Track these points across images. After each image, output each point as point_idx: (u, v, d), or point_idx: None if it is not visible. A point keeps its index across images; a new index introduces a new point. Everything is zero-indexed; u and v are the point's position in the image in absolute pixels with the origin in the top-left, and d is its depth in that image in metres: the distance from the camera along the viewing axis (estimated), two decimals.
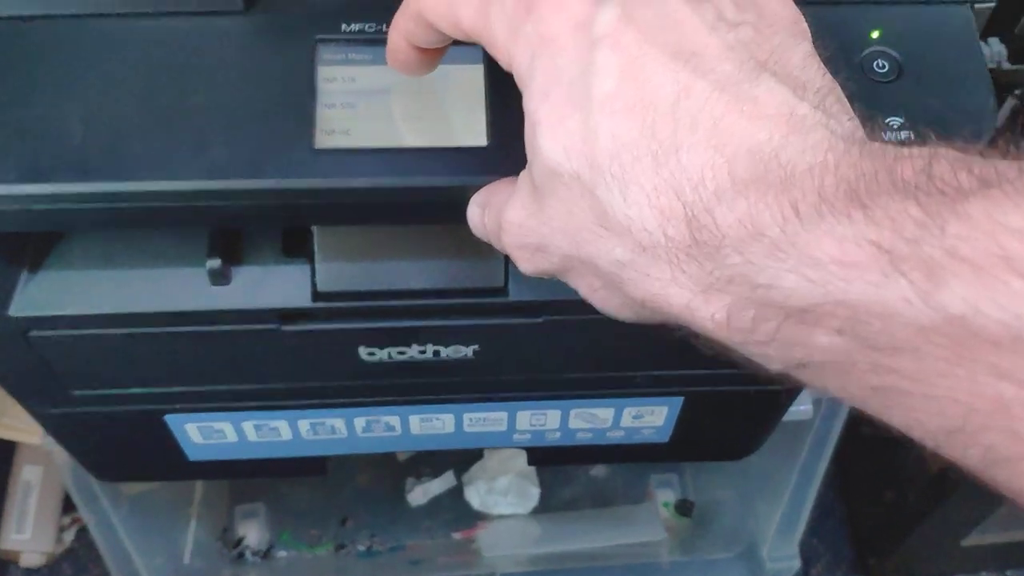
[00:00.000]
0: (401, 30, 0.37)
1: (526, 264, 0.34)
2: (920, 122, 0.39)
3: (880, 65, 0.41)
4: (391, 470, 1.09)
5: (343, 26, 0.41)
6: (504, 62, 0.33)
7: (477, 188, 0.39)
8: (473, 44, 0.41)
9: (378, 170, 0.39)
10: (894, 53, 0.41)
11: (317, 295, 0.46)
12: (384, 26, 0.42)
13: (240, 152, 0.38)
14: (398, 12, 0.37)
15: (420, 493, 1.06)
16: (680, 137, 0.27)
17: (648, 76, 0.28)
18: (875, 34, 0.41)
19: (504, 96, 0.40)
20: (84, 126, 0.38)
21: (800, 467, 0.78)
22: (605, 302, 0.33)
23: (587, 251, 0.30)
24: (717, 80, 0.28)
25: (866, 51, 0.41)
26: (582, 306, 0.48)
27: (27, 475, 1.05)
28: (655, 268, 0.28)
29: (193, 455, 0.60)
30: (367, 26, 0.42)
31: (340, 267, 0.46)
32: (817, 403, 0.71)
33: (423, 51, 0.37)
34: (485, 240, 0.39)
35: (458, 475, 1.06)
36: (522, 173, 0.34)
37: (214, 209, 0.39)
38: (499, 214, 0.35)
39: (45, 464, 1.06)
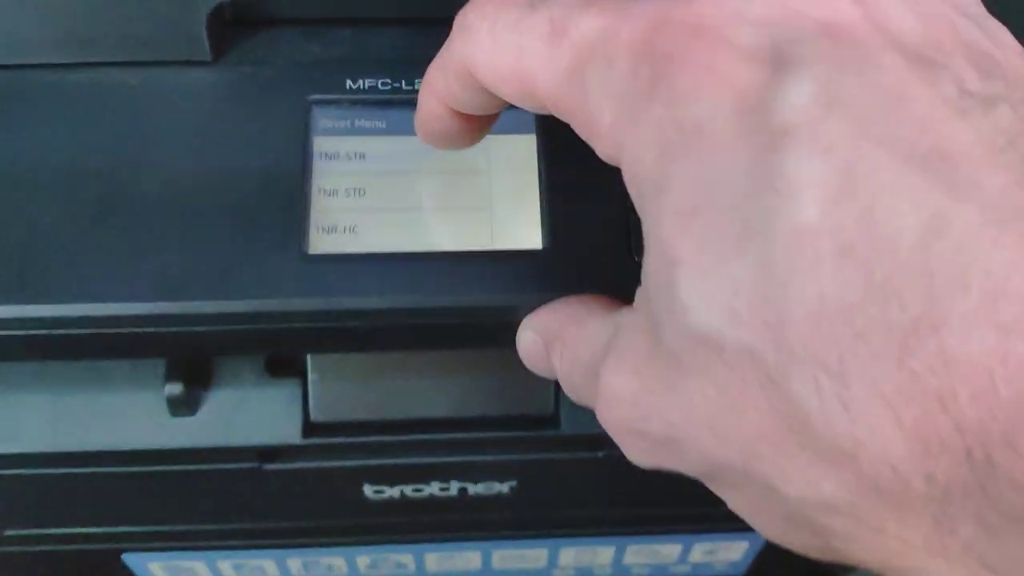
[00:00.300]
0: (438, 91, 0.26)
1: (639, 455, 0.23)
2: None
3: None
4: None
5: (347, 82, 0.31)
6: (607, 153, 0.22)
7: (527, 309, 0.29)
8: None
9: (395, 285, 0.28)
10: None
11: (310, 427, 0.35)
12: (404, 82, 0.31)
13: (206, 261, 0.28)
14: (433, 65, 0.26)
15: None
16: (941, 304, 0.16)
17: (873, 195, 0.17)
18: None
19: (568, 180, 0.30)
20: None
21: None
22: (776, 534, 0.22)
23: (762, 471, 0.19)
24: (988, 203, 0.17)
25: None
26: None
27: None
28: (896, 523, 0.17)
29: None
30: (380, 82, 0.31)
31: (340, 390, 0.35)
32: None
33: (466, 119, 0.27)
34: (546, 376, 0.28)
35: None
36: (628, 316, 0.23)
37: (171, 337, 0.28)
38: (588, 367, 0.24)
39: None
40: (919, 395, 0.16)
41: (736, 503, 0.22)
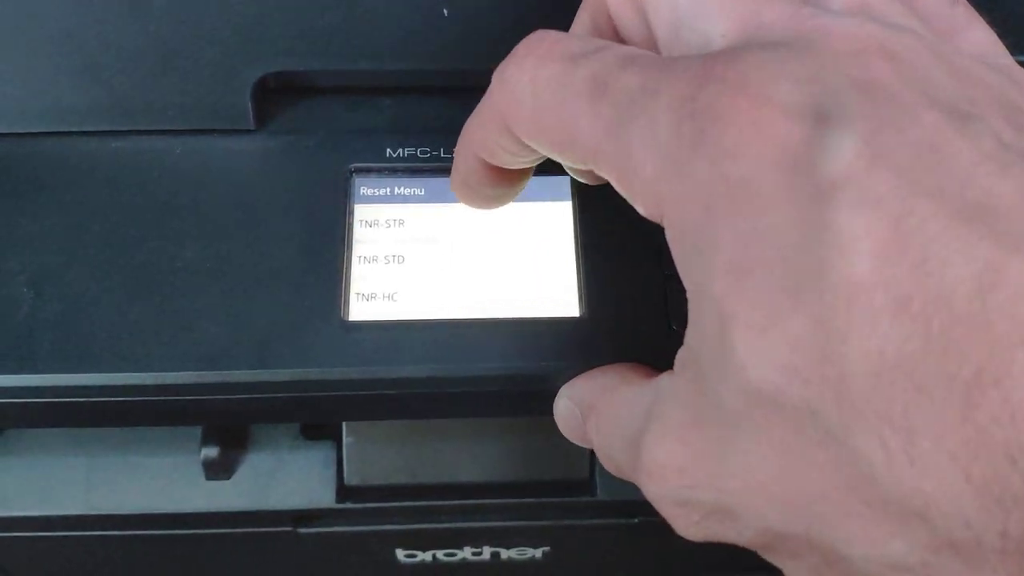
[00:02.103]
0: (475, 144, 0.26)
1: (690, 528, 0.23)
2: None
3: None
4: None
5: (387, 150, 0.31)
6: (649, 210, 0.21)
7: (566, 378, 0.29)
8: (558, 171, 0.31)
9: (433, 353, 0.28)
10: None
11: (344, 491, 0.35)
12: (443, 150, 0.31)
13: (247, 330, 0.28)
14: (471, 120, 0.26)
15: None
16: (1001, 356, 0.16)
17: (924, 248, 0.17)
18: None
19: (604, 247, 0.30)
20: (35, 292, 0.28)
21: None
22: None
23: (825, 533, 0.19)
24: None
25: None
26: None
27: None
28: None
29: None
30: (419, 150, 0.31)
31: (374, 454, 0.35)
32: None
33: (502, 174, 0.26)
34: (583, 445, 0.28)
35: None
36: (669, 381, 0.23)
37: (205, 407, 0.28)
38: (627, 438, 0.24)
39: None
40: (986, 449, 0.16)
41: (796, 572, 0.21)
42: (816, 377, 0.18)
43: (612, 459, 0.26)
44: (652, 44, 0.24)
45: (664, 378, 0.23)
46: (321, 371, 0.28)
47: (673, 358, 0.28)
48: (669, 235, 0.21)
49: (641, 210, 0.22)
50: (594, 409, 0.27)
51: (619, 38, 0.25)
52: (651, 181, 0.20)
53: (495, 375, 0.28)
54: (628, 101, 0.21)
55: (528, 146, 0.24)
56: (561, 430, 0.29)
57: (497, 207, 0.29)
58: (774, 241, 0.18)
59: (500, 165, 0.26)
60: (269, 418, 0.30)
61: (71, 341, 0.27)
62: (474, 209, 0.29)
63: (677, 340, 0.28)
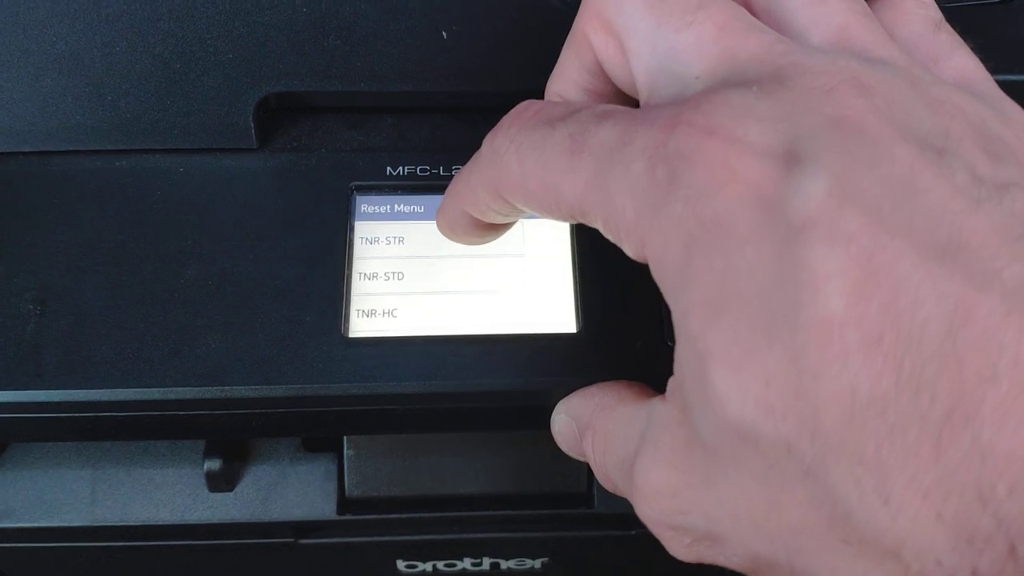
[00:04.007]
0: (464, 202, 0.26)
1: (681, 550, 0.23)
2: None
3: None
4: None
5: (387, 169, 0.32)
6: (634, 251, 0.22)
7: (563, 393, 0.29)
8: None
9: (432, 369, 0.29)
10: None
11: (345, 503, 0.36)
12: (442, 169, 0.32)
13: (246, 346, 0.28)
14: (461, 178, 0.26)
15: None
16: (972, 395, 0.16)
17: (895, 286, 0.17)
18: None
19: (601, 264, 0.30)
20: (41, 308, 0.29)
21: None
22: None
23: (807, 565, 0.19)
24: (1009, 291, 0.17)
25: None
26: None
27: None
28: None
29: None
30: (418, 169, 0.32)
31: (374, 466, 0.36)
32: None
33: (487, 225, 0.27)
34: (580, 460, 0.29)
35: None
36: (662, 406, 0.23)
37: (208, 421, 0.29)
38: (621, 458, 0.24)
39: None
40: (957, 488, 0.16)
41: None
42: (791, 414, 0.18)
43: (608, 476, 0.26)
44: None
45: (657, 403, 0.24)
46: (322, 387, 0.28)
47: (670, 373, 0.28)
48: (654, 274, 0.21)
49: (629, 252, 0.22)
50: (591, 427, 0.27)
51: (604, 75, 0.25)
52: (633, 224, 0.21)
53: (493, 391, 0.29)
54: (606, 153, 0.21)
55: (516, 206, 0.24)
56: (558, 444, 0.29)
57: (483, 243, 0.29)
58: (748, 279, 0.18)
59: (488, 221, 0.27)
60: (270, 433, 0.31)
61: (76, 357, 0.28)
62: None
63: (672, 356, 0.29)
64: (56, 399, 0.28)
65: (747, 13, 0.22)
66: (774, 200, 0.18)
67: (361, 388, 0.28)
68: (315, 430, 0.30)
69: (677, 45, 0.22)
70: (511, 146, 0.23)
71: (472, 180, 0.25)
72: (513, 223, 0.28)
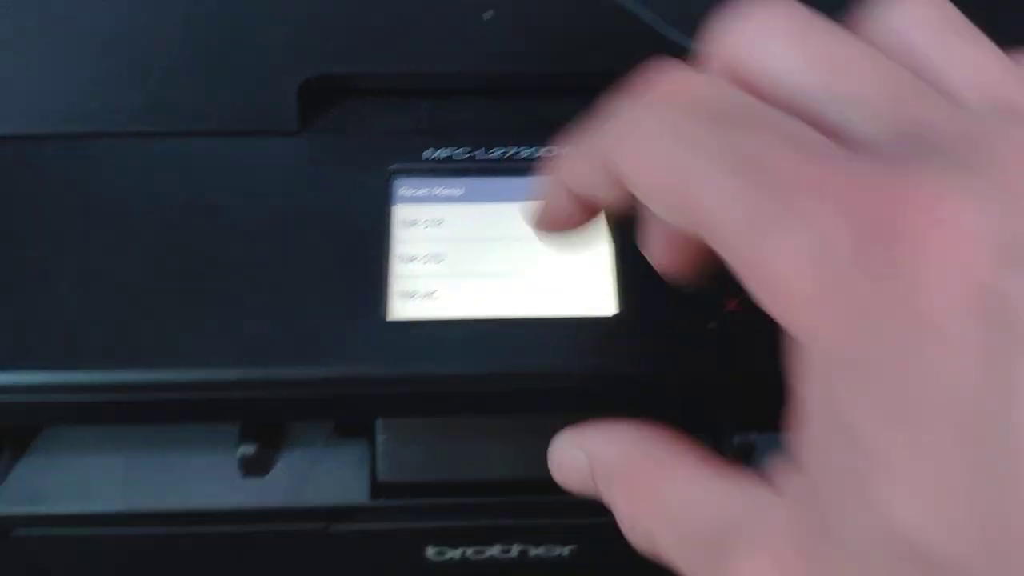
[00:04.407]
0: (574, 175, 0.24)
1: None
2: None
3: None
4: None
5: (426, 152, 0.32)
6: (786, 318, 0.19)
7: (602, 375, 0.29)
8: None
9: (471, 351, 0.29)
10: None
11: (377, 488, 0.36)
12: (481, 151, 0.32)
13: (288, 327, 0.28)
14: (575, 149, 0.23)
15: None
16: None
17: None
18: None
19: (639, 250, 0.30)
20: (79, 292, 0.29)
21: None
22: None
23: None
24: None
25: None
26: None
27: None
28: None
29: None
30: (456, 152, 0.32)
31: (408, 451, 0.36)
32: None
33: (588, 208, 0.25)
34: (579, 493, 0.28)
35: None
36: (770, 499, 0.21)
37: (249, 404, 0.29)
38: (700, 541, 0.22)
39: None
40: None
41: None
42: (976, 535, 0.16)
43: (646, 536, 0.24)
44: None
45: (759, 491, 0.21)
46: (363, 368, 0.28)
47: (713, 360, 0.28)
48: (805, 346, 0.19)
49: (769, 308, 0.19)
50: (627, 477, 0.25)
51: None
52: (805, 294, 0.18)
53: (533, 372, 0.29)
54: (784, 192, 0.18)
55: (625, 189, 0.22)
56: (553, 473, 0.28)
57: (571, 235, 0.26)
58: (950, 385, 0.17)
59: (591, 201, 0.24)
60: (312, 416, 0.31)
61: (116, 338, 0.28)
62: (512, 209, 0.30)
63: (714, 339, 0.29)
64: (95, 380, 0.28)
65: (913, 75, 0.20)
66: (999, 304, 0.17)
67: (402, 369, 0.28)
68: (356, 413, 0.30)
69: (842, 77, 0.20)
70: (651, 125, 0.20)
71: (590, 150, 0.23)
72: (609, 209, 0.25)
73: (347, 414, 0.31)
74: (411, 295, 0.30)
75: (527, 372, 0.29)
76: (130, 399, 0.28)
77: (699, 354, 0.29)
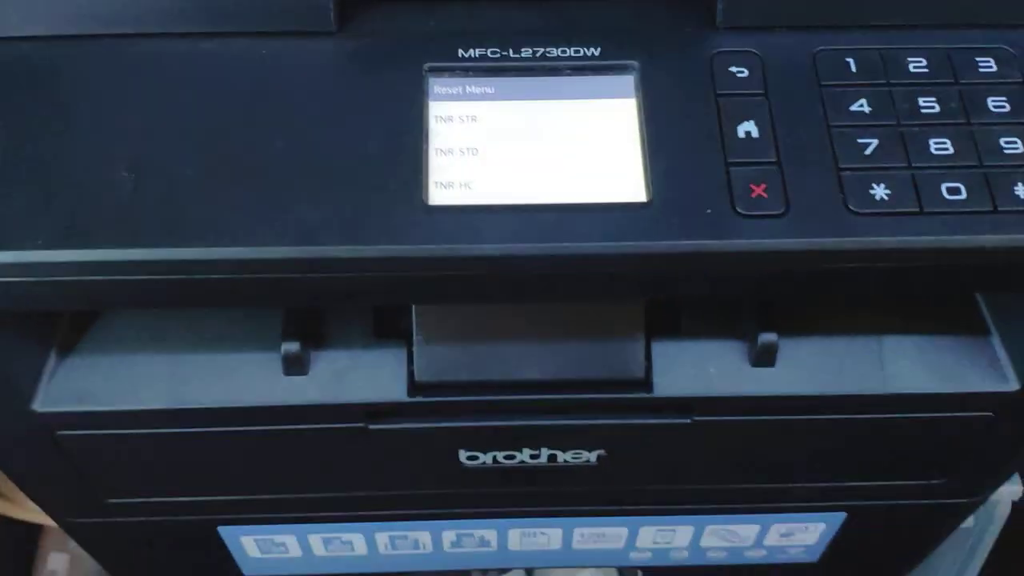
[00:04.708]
0: None
1: None
2: None
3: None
4: None
5: (459, 51, 0.33)
6: None
7: (639, 257, 0.30)
8: (622, 71, 0.33)
9: (509, 234, 0.30)
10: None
11: (415, 387, 0.37)
12: (511, 51, 0.33)
13: (332, 211, 0.30)
14: None
15: None
16: None
17: None
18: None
19: (668, 138, 0.31)
20: (136, 176, 0.30)
21: None
22: None
23: None
24: None
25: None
26: (744, 403, 0.39)
27: (53, 564, 0.96)
28: None
29: (248, 570, 0.50)
30: (489, 51, 0.33)
31: (443, 353, 0.37)
32: (976, 511, 0.60)
33: None
34: None
35: (529, 571, 0.95)
36: None
37: (298, 283, 0.30)
38: None
39: (73, 552, 0.96)
40: None
41: None
42: None
43: None
44: None
45: None
46: (407, 249, 0.29)
47: (736, 240, 0.29)
48: None
49: None
50: None
51: None
52: None
53: (568, 254, 0.30)
54: None
55: None
56: None
57: None
58: None
59: None
60: (356, 297, 0.32)
61: (172, 219, 0.29)
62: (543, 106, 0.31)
63: (741, 223, 0.30)
64: (153, 258, 0.29)
65: None
66: None
67: (443, 251, 0.30)
68: (397, 295, 0.31)
69: None
70: None
71: None
72: None
73: (389, 297, 0.32)
74: (449, 184, 0.31)
75: (563, 254, 0.30)
76: (184, 279, 0.30)
77: (725, 236, 0.30)
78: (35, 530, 1.00)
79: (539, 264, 0.30)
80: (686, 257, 0.30)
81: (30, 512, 0.87)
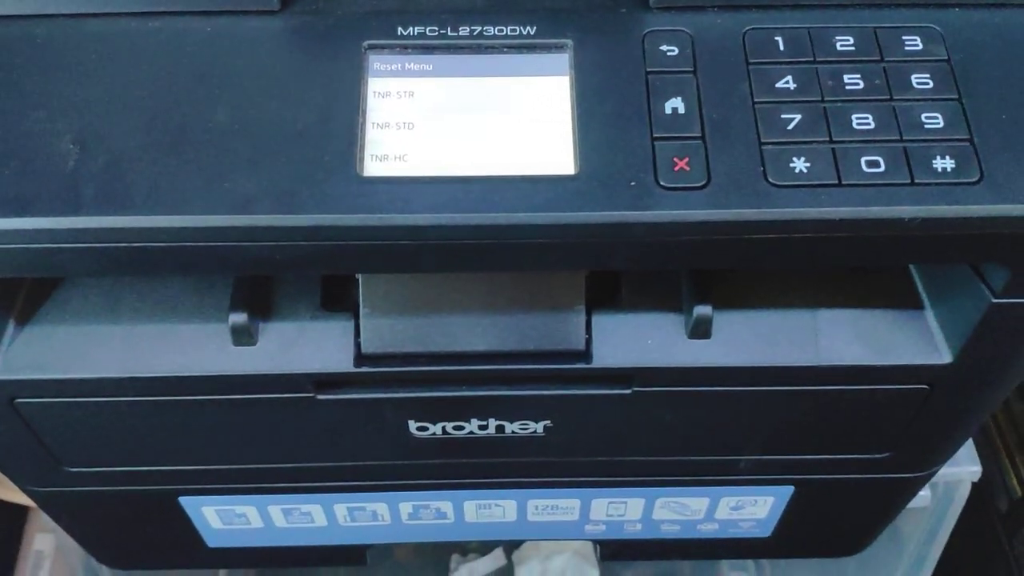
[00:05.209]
0: None
1: None
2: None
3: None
4: (433, 545, 0.99)
5: (399, 29, 0.34)
6: None
7: (563, 227, 0.31)
8: (557, 50, 0.34)
9: (440, 204, 0.31)
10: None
11: (361, 357, 0.38)
12: (449, 29, 0.34)
13: (271, 181, 0.31)
14: None
15: (466, 573, 0.96)
16: None
17: None
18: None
19: (599, 114, 0.33)
20: (80, 148, 0.31)
21: (912, 559, 0.67)
22: None
23: None
24: None
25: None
26: (681, 374, 0.40)
27: (39, 544, 0.97)
28: None
29: (213, 541, 0.51)
30: (428, 29, 0.34)
31: (389, 324, 0.38)
32: (934, 487, 0.61)
33: None
34: None
35: (508, 553, 0.96)
36: None
37: (238, 251, 0.31)
38: None
39: (59, 532, 0.98)
40: None
41: None
42: None
43: None
44: None
45: None
46: (340, 218, 0.31)
47: (660, 212, 0.30)
48: None
49: None
50: None
51: None
52: None
53: (495, 224, 0.31)
54: None
55: None
56: None
57: None
58: None
59: None
60: (292, 265, 0.33)
61: (113, 189, 0.30)
62: (479, 83, 0.32)
63: (663, 195, 0.31)
64: (94, 225, 0.30)
65: None
66: None
67: (375, 220, 0.31)
68: (332, 264, 0.33)
69: None
70: None
71: None
72: None
73: (325, 265, 0.33)
74: (384, 157, 0.32)
75: (493, 225, 0.31)
76: (126, 247, 0.31)
77: (649, 208, 0.31)
78: (22, 511, 1.01)
79: (467, 233, 0.31)
80: (607, 227, 0.31)
81: (16, 493, 0.89)
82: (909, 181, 0.32)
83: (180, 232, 0.30)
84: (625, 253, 0.32)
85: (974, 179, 0.31)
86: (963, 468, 0.61)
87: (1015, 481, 0.83)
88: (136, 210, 0.30)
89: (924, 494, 0.60)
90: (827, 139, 0.32)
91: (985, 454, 0.67)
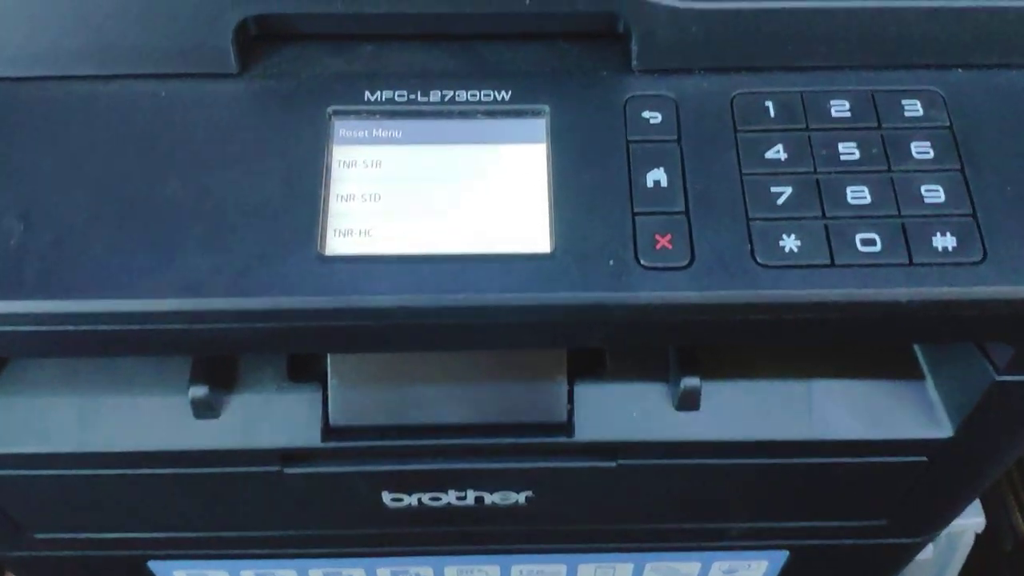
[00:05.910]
0: None
1: None
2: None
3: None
4: None
5: (366, 94, 0.32)
6: None
7: (537, 308, 0.29)
8: (533, 116, 0.32)
9: (407, 284, 0.29)
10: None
11: (329, 431, 0.36)
12: (419, 94, 0.32)
13: (225, 260, 0.29)
14: None
15: None
16: None
17: None
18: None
19: (577, 186, 0.31)
20: (24, 224, 0.29)
21: None
22: None
23: None
24: None
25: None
26: (668, 448, 0.38)
27: None
28: None
29: None
30: (396, 94, 0.32)
31: (359, 395, 0.36)
32: (937, 539, 0.59)
33: None
34: None
35: None
36: None
37: (190, 334, 0.29)
38: None
39: None
40: None
41: None
42: None
43: None
44: None
45: None
46: (297, 300, 0.29)
47: (640, 293, 0.28)
48: None
49: None
50: None
51: None
52: None
53: (463, 306, 0.29)
54: None
55: None
56: None
57: None
58: None
59: None
60: (250, 347, 0.31)
61: (58, 270, 0.28)
62: (450, 151, 0.30)
63: (643, 275, 0.29)
64: (36, 310, 0.28)
65: None
66: None
67: (335, 302, 0.29)
68: (293, 345, 0.31)
69: None
70: None
71: None
72: None
73: (284, 347, 0.32)
74: (347, 232, 0.30)
75: (461, 306, 0.29)
76: (71, 330, 0.29)
77: (628, 289, 0.29)
78: None
79: (434, 315, 0.29)
80: (584, 309, 0.29)
81: None
82: (907, 261, 0.30)
83: (128, 316, 0.29)
84: (603, 334, 0.31)
85: (977, 259, 0.29)
86: (967, 520, 0.59)
87: (1021, 521, 0.81)
88: (79, 294, 0.28)
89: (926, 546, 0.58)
90: (819, 215, 0.30)
91: (990, 495, 0.65)
